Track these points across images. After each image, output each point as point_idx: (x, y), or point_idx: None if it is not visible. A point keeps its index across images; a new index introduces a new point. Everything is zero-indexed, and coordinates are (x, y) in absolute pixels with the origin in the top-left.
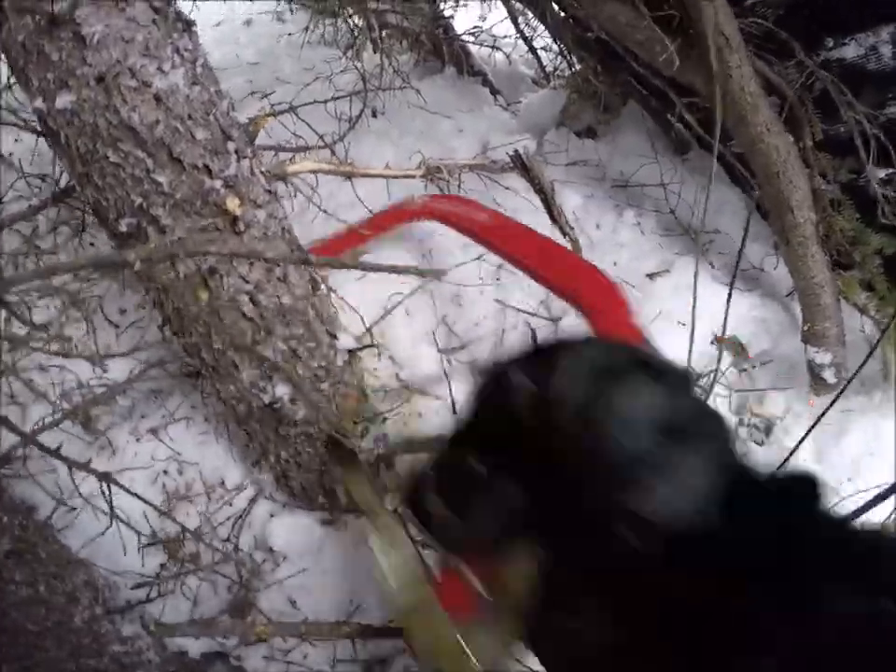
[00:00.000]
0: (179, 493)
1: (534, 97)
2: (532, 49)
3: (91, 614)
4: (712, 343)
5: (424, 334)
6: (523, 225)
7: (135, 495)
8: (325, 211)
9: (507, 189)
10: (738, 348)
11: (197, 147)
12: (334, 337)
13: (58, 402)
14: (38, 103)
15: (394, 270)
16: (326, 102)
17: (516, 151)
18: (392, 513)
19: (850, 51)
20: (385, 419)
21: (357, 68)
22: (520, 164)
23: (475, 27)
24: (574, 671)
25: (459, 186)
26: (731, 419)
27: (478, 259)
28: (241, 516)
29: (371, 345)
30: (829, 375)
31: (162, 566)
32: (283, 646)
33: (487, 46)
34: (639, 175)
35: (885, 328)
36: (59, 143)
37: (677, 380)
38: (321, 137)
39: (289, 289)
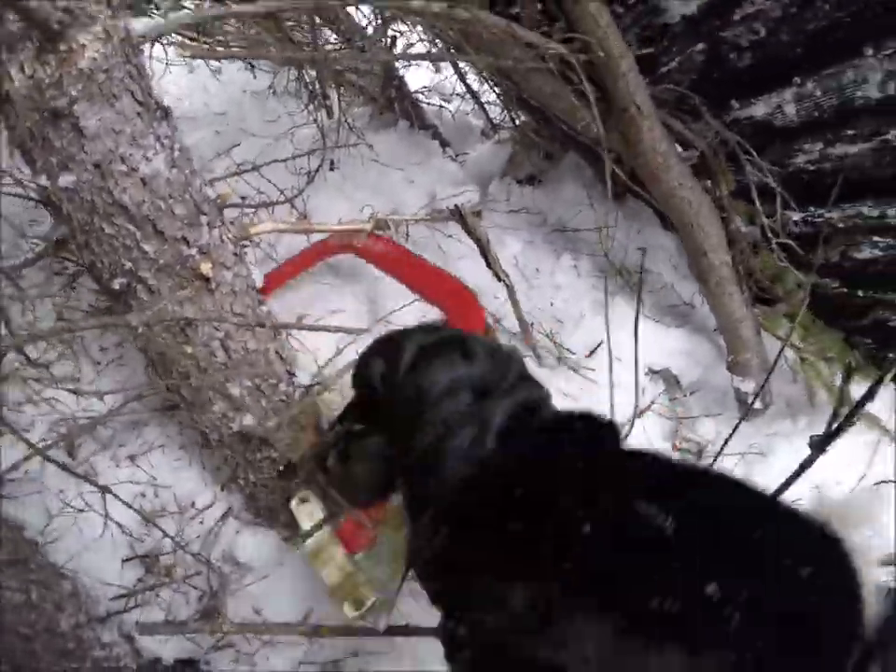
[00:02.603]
0: (155, 512)
1: (481, 148)
2: (479, 103)
3: (75, 621)
4: (646, 374)
5: None
6: (403, 248)
7: (127, 504)
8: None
9: (450, 236)
10: (672, 379)
11: (176, 221)
12: (293, 375)
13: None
14: (42, 180)
15: (325, 329)
16: (286, 160)
17: (455, 205)
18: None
19: (759, 109)
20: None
21: (317, 124)
22: (458, 216)
23: (424, 87)
24: (428, 565)
25: (407, 237)
26: (664, 445)
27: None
28: (211, 533)
29: (318, 383)
30: (755, 402)
31: (140, 579)
32: (248, 650)
33: (435, 105)
34: (577, 220)
35: (778, 353)
36: (60, 213)
37: (488, 354)
38: (282, 192)
39: (254, 335)
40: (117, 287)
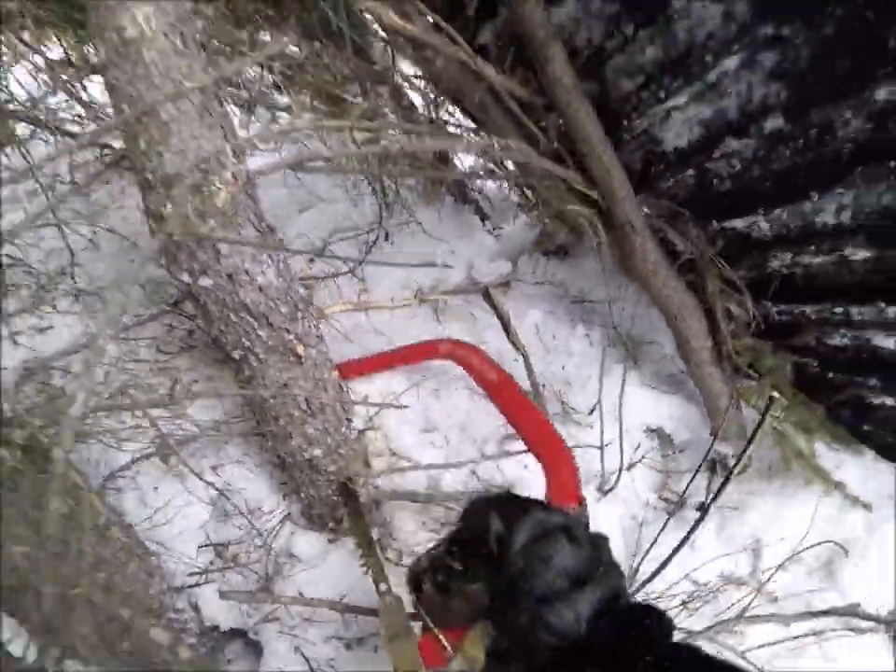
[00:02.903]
0: (230, 512)
1: (516, 223)
2: (517, 185)
3: (159, 588)
4: (644, 431)
5: (410, 419)
6: (518, 388)
7: (233, 503)
8: (349, 339)
9: (481, 308)
10: (665, 438)
11: (281, 316)
12: (350, 420)
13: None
14: (185, 277)
15: (378, 405)
16: (349, 238)
17: (485, 286)
18: (375, 542)
19: (739, 223)
20: (379, 476)
21: (376, 198)
22: (485, 296)
23: (470, 168)
24: None
25: (446, 305)
26: (651, 495)
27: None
28: (272, 531)
29: (371, 428)
30: (731, 463)
31: (211, 562)
32: (290, 623)
33: (475, 191)
34: (596, 292)
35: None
36: (197, 302)
37: (588, 541)
38: (345, 261)
39: (326, 392)
40: (236, 356)
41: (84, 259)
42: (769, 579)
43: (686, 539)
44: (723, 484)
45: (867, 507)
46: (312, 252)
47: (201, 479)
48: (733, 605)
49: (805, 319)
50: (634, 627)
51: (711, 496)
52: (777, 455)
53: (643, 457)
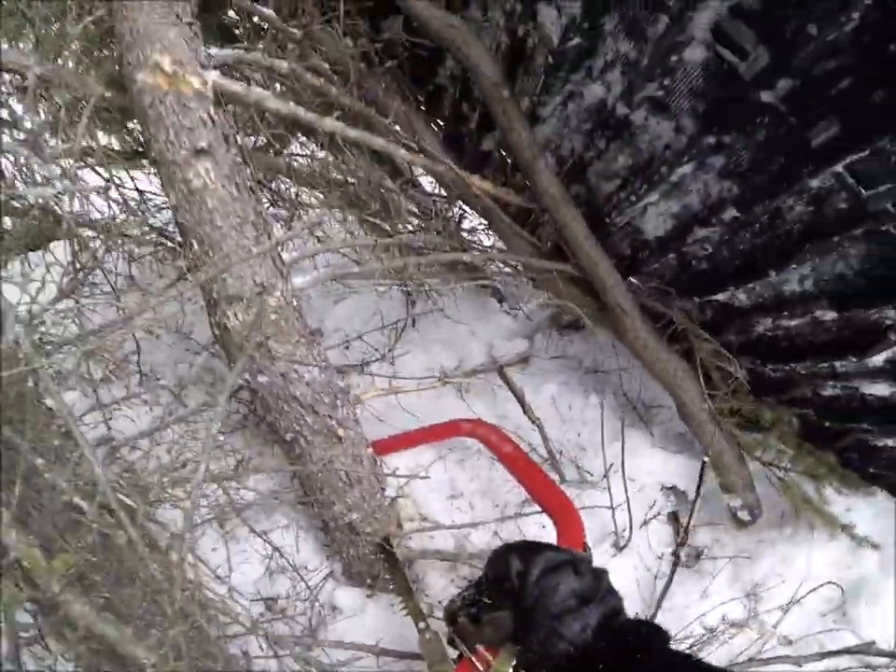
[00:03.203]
0: (278, 569)
1: (531, 303)
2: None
3: (216, 634)
4: (661, 490)
5: (437, 486)
6: (530, 459)
7: (291, 565)
8: (382, 420)
9: (499, 385)
10: (681, 495)
11: (325, 405)
12: (384, 489)
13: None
14: (246, 376)
15: (406, 477)
16: (381, 329)
17: (500, 366)
18: (413, 590)
19: (721, 296)
20: (410, 536)
21: (402, 291)
22: (500, 373)
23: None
24: None
25: (469, 384)
26: (667, 550)
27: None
28: (317, 587)
29: (402, 496)
30: (743, 515)
31: (261, 614)
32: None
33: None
34: (608, 362)
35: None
36: (255, 394)
37: (590, 572)
38: (377, 350)
39: (363, 465)
40: (288, 438)
41: (145, 348)
42: (779, 621)
43: (668, 585)
44: (685, 535)
45: (875, 547)
46: (352, 366)
47: (262, 538)
48: (746, 648)
49: (797, 374)
50: (633, 637)
51: (678, 544)
52: (787, 504)
53: (658, 514)
